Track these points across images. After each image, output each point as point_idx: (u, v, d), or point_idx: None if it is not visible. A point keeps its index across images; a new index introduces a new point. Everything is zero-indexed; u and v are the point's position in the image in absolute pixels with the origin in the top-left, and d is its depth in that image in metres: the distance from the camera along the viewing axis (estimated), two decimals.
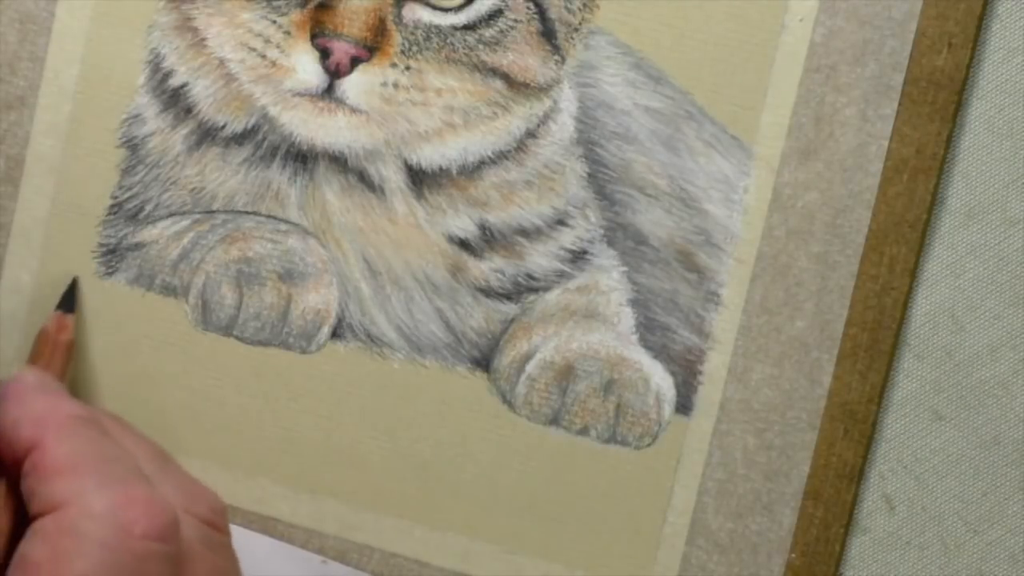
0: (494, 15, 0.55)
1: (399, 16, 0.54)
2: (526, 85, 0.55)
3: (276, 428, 0.56)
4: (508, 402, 0.56)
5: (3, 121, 0.56)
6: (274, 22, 0.55)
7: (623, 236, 0.56)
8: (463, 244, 0.56)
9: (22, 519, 0.48)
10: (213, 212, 0.56)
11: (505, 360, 0.56)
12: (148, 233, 0.56)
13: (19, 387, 0.50)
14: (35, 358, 0.54)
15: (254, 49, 0.55)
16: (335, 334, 0.56)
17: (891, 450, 0.56)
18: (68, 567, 0.45)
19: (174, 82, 0.56)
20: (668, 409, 0.56)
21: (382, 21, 0.54)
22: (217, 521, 0.51)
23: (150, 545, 0.46)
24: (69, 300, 0.55)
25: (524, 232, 0.56)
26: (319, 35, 0.54)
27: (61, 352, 0.54)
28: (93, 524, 0.46)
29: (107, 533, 0.46)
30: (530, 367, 0.56)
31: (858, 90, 0.54)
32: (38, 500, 0.47)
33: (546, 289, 0.56)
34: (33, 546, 0.46)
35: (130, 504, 0.46)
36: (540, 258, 0.56)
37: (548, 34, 0.55)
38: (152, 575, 0.46)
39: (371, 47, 0.54)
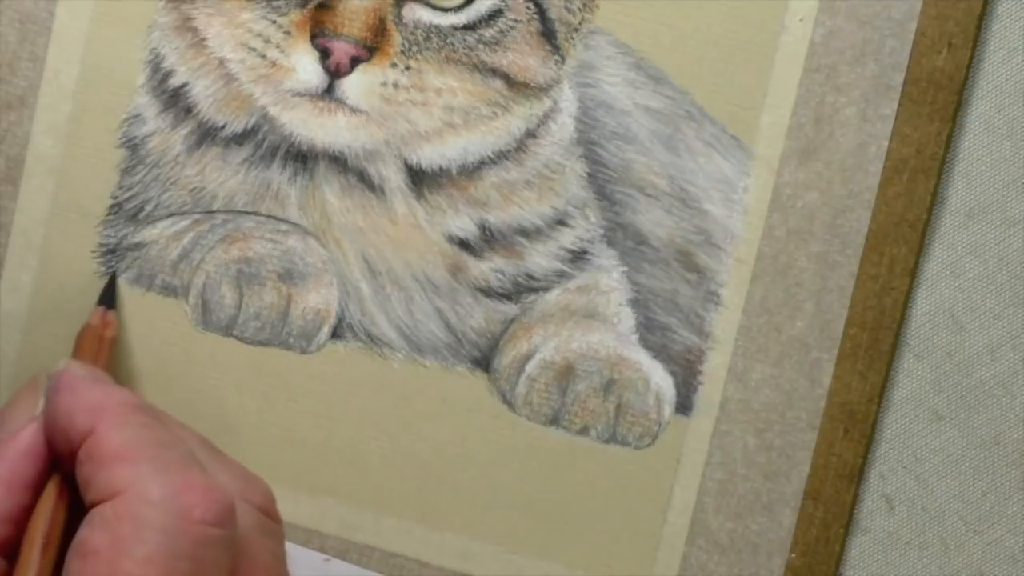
0: (494, 15, 0.55)
1: (399, 16, 0.54)
2: (526, 85, 0.55)
3: (276, 428, 0.56)
4: (508, 402, 0.56)
5: (3, 121, 0.56)
6: (274, 22, 0.55)
7: (623, 236, 0.56)
8: (463, 244, 0.56)
9: (75, 511, 0.48)
10: (213, 212, 0.56)
11: (505, 360, 0.56)
12: (148, 233, 0.56)
13: (70, 377, 0.50)
14: (79, 353, 0.54)
15: (254, 49, 0.55)
16: (335, 334, 0.56)
17: (891, 450, 0.56)
18: (128, 553, 0.45)
19: (174, 82, 0.56)
20: (668, 409, 0.56)
21: (382, 21, 0.54)
22: (270, 508, 0.51)
23: (208, 530, 0.46)
24: (110, 296, 0.55)
25: (524, 232, 0.56)
26: (319, 35, 0.54)
27: (106, 348, 0.54)
28: (152, 510, 0.46)
29: (166, 519, 0.46)
30: (530, 367, 0.56)
31: (858, 90, 0.54)
32: (95, 488, 0.47)
33: (546, 289, 0.56)
34: (92, 533, 0.46)
35: (188, 490, 0.46)
36: (540, 258, 0.56)
37: (548, 34, 0.55)
38: (211, 560, 0.46)
39: (371, 47, 0.54)
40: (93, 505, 0.47)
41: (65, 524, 0.49)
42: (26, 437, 0.50)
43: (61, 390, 0.50)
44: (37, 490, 0.49)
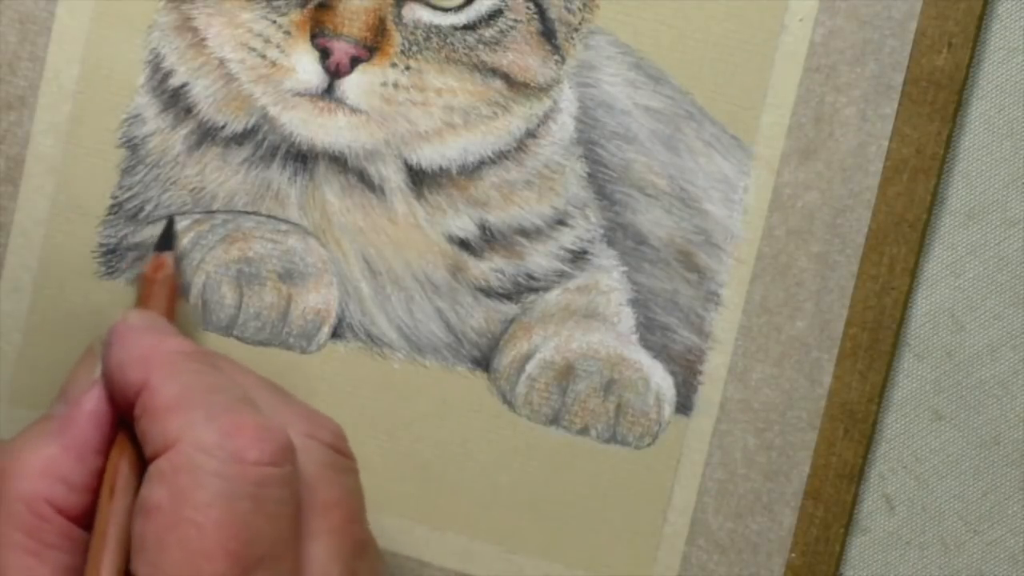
0: (494, 15, 0.55)
1: (399, 16, 0.54)
2: (526, 85, 0.55)
3: None
4: (508, 402, 0.56)
5: (3, 121, 0.56)
6: (274, 22, 0.55)
7: (623, 236, 0.56)
8: (463, 244, 0.56)
9: (145, 464, 0.48)
10: (213, 212, 0.56)
11: (505, 360, 0.56)
12: (148, 233, 0.56)
13: (123, 329, 0.49)
14: (139, 303, 0.53)
15: (254, 49, 0.55)
16: (335, 334, 0.56)
17: (891, 450, 0.56)
18: (189, 504, 0.45)
19: (174, 82, 0.56)
20: (668, 409, 0.56)
21: (382, 21, 0.54)
22: (342, 446, 0.50)
23: (265, 470, 0.46)
24: (165, 240, 0.55)
25: (524, 232, 0.56)
26: (319, 35, 0.54)
27: (162, 291, 0.53)
28: (206, 457, 0.45)
29: (221, 464, 0.45)
30: (530, 367, 0.56)
31: (858, 90, 0.54)
32: (151, 442, 0.47)
33: (546, 289, 0.56)
34: (152, 490, 0.46)
35: (239, 432, 0.46)
36: (540, 258, 0.56)
37: (548, 34, 0.55)
38: (271, 498, 0.46)
39: (371, 47, 0.54)
40: (152, 459, 0.46)
41: (139, 479, 0.48)
42: (88, 402, 0.49)
43: (114, 343, 0.49)
44: (108, 453, 0.49)
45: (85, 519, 0.48)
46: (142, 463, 0.48)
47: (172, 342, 0.50)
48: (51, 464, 0.48)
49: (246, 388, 0.49)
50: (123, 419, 0.49)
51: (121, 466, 0.48)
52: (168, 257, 0.54)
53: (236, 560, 0.45)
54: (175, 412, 0.47)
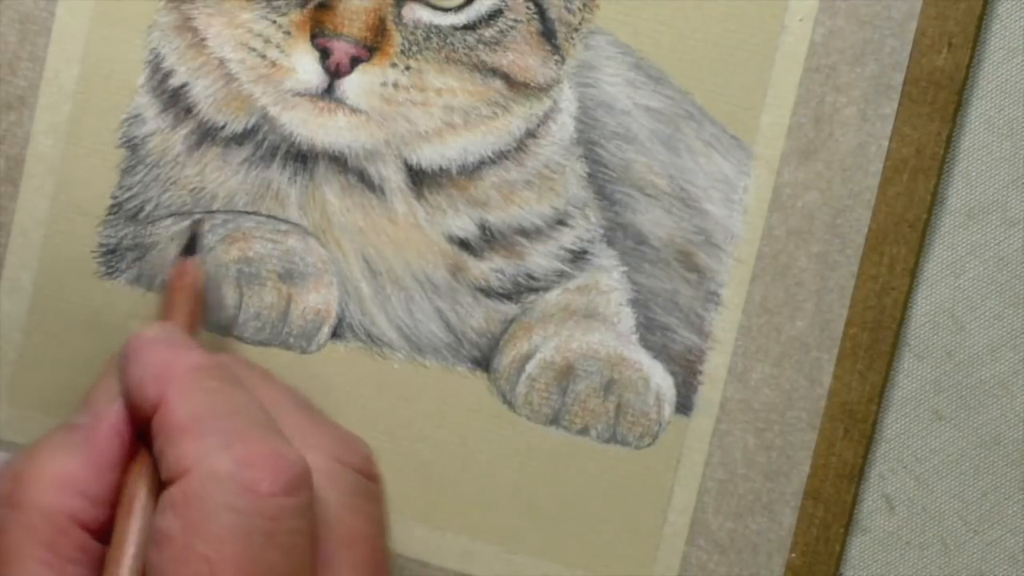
0: (494, 15, 0.55)
1: (399, 16, 0.54)
2: (526, 85, 0.55)
3: None
4: (508, 402, 0.56)
5: (3, 121, 0.56)
6: (274, 22, 0.55)
7: (623, 236, 0.56)
8: (463, 244, 0.56)
9: (162, 484, 0.47)
10: (213, 212, 0.56)
11: (505, 360, 0.56)
12: (148, 233, 0.56)
13: (139, 343, 0.49)
14: (162, 311, 0.53)
15: (254, 49, 0.55)
16: (335, 334, 0.56)
17: (891, 450, 0.56)
18: (201, 537, 0.44)
19: (174, 82, 0.56)
20: (668, 409, 0.56)
21: (382, 21, 0.54)
22: (370, 470, 0.49)
23: (280, 501, 0.45)
24: (191, 245, 0.54)
25: (524, 232, 0.56)
26: (319, 35, 0.54)
27: (185, 299, 0.53)
28: (218, 488, 0.45)
29: (234, 497, 0.44)
30: (530, 367, 0.56)
31: (858, 90, 0.54)
32: (165, 465, 0.46)
33: (546, 289, 0.56)
34: (165, 519, 0.45)
35: (253, 462, 0.45)
36: (540, 258, 0.56)
37: (548, 34, 0.55)
38: (287, 530, 0.45)
39: (371, 47, 0.54)
40: (166, 483, 0.46)
41: (157, 495, 0.47)
42: (109, 416, 0.49)
43: (130, 359, 0.48)
44: (128, 468, 0.49)
45: (104, 532, 0.48)
46: (161, 479, 0.47)
47: (190, 357, 0.49)
48: (71, 477, 0.48)
49: (270, 406, 0.49)
50: (143, 433, 0.49)
51: (140, 482, 0.48)
52: (192, 263, 0.54)
53: None
54: (189, 435, 0.46)
